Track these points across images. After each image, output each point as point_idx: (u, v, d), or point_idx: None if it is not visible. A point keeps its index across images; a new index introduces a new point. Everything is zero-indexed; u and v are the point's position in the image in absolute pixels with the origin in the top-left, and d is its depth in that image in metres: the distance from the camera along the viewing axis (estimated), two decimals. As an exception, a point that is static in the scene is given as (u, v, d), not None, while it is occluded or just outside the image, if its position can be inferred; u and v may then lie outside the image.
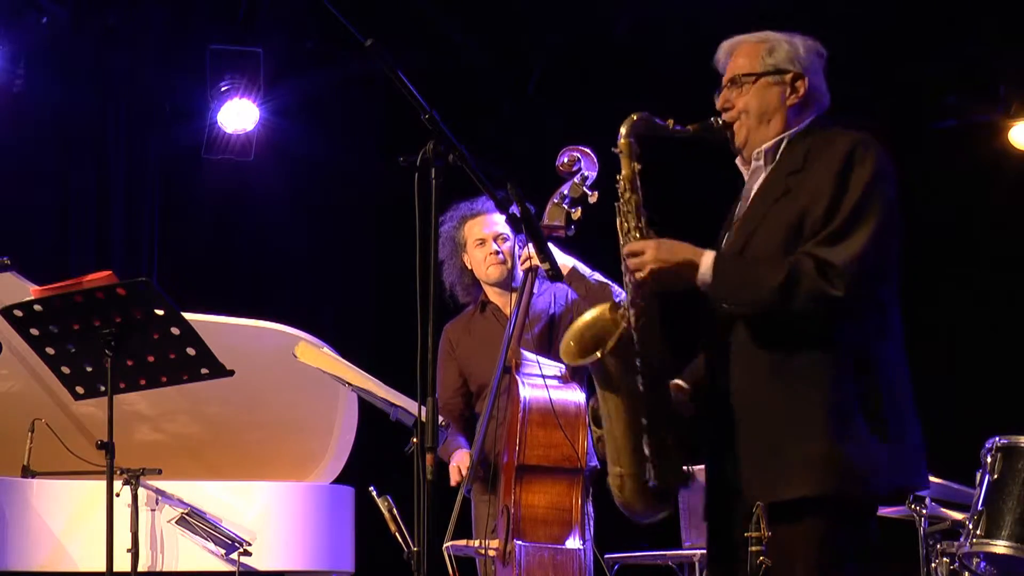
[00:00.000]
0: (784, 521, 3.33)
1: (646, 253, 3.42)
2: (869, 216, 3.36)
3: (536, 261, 4.67)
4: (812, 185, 3.42)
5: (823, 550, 3.36)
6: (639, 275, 3.42)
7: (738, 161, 3.66)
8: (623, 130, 3.55)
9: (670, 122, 3.58)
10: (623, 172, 3.53)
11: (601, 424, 3.53)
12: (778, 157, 3.54)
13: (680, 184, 7.23)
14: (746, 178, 3.63)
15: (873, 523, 3.47)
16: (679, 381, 3.61)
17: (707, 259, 3.41)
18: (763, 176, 3.56)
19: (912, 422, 3.45)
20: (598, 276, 5.09)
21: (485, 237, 5.34)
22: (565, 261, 5.03)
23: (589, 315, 3.49)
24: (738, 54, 3.60)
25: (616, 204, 3.54)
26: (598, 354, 3.39)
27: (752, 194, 3.57)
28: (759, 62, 3.56)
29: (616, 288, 5.04)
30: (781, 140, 3.55)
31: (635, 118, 3.55)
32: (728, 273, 3.40)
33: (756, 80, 3.55)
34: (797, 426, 3.36)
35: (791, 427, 3.37)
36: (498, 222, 5.33)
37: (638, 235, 3.49)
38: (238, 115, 7.65)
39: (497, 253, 5.32)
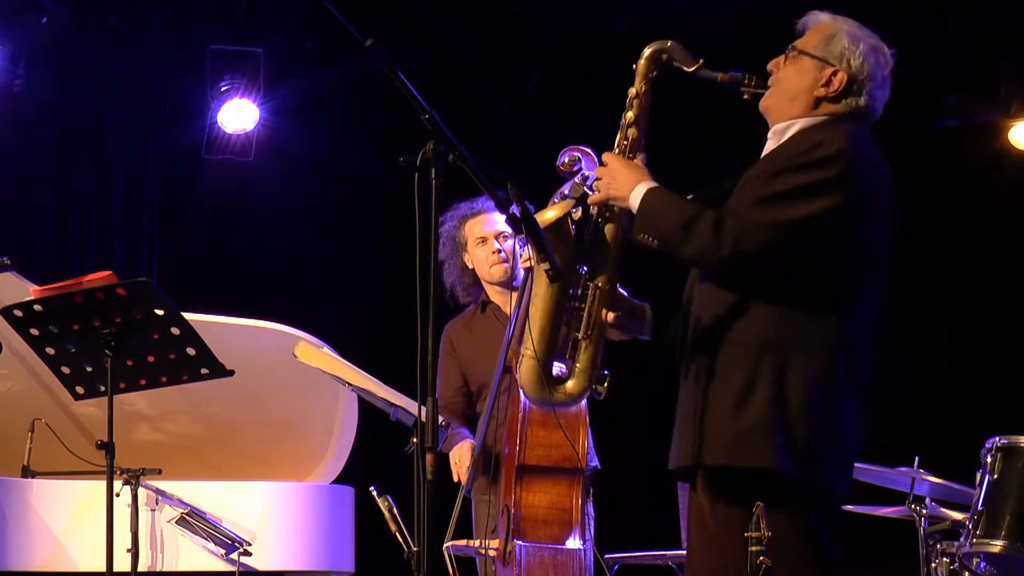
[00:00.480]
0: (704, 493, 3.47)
1: (609, 164, 3.58)
2: (803, 204, 3.38)
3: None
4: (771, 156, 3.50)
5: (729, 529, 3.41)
6: (595, 184, 3.58)
7: None
8: (647, 50, 3.60)
9: (701, 61, 3.58)
10: (632, 89, 3.59)
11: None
12: (783, 140, 3.55)
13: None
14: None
15: (813, 517, 3.44)
16: (647, 308, 3.73)
17: (644, 186, 3.50)
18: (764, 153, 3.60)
19: (838, 423, 3.43)
20: None
21: (487, 235, 5.33)
22: None
23: (558, 207, 3.64)
24: (810, 27, 3.62)
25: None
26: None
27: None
28: (815, 42, 3.57)
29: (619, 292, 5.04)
30: (793, 124, 3.56)
31: (668, 44, 3.59)
32: (649, 203, 3.47)
33: (799, 55, 3.56)
34: (713, 396, 3.43)
35: (708, 396, 3.44)
36: (499, 220, 5.31)
37: (616, 151, 3.61)
38: (238, 115, 7.64)
39: (499, 251, 5.31)
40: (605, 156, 3.61)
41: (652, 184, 3.50)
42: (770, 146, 3.59)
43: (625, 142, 3.62)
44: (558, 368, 3.62)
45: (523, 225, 3.46)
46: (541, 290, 3.59)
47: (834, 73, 3.54)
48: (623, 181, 3.54)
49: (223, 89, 7.58)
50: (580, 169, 4.88)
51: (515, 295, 5.17)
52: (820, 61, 3.54)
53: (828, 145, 3.42)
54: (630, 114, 3.61)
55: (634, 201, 3.50)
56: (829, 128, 3.50)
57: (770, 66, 3.62)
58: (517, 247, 5.33)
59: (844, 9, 3.67)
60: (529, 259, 4.83)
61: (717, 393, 3.43)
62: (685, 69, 3.59)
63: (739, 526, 3.32)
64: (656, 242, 3.45)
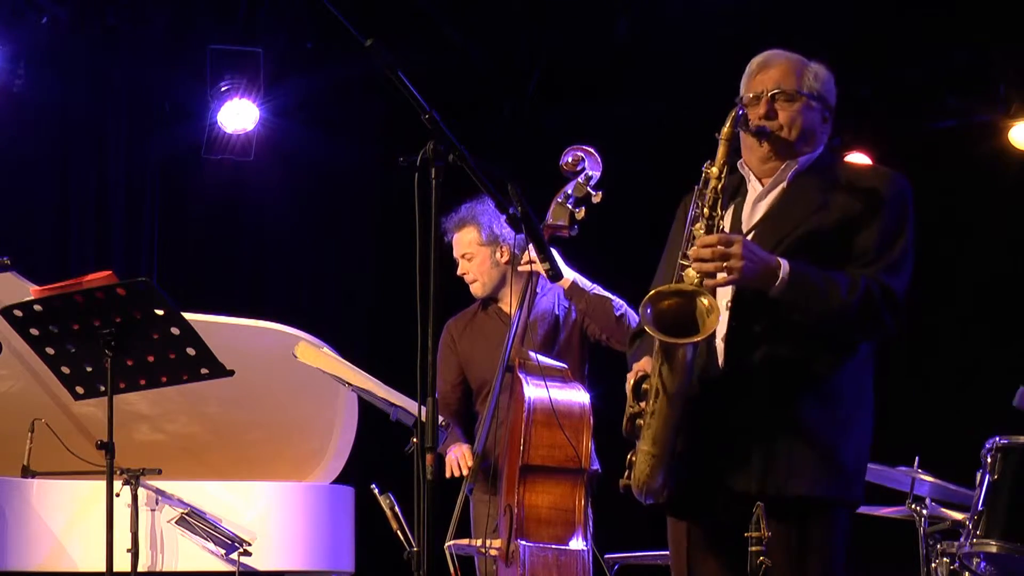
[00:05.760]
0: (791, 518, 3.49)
1: (734, 246, 3.41)
2: (909, 259, 3.55)
3: (538, 266, 4.72)
4: (859, 209, 3.55)
5: (826, 549, 3.53)
6: (729, 264, 3.41)
7: (745, 166, 3.70)
8: (728, 122, 3.55)
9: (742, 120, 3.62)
10: (719, 159, 3.54)
11: (643, 398, 3.52)
12: (805, 174, 3.63)
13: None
14: (754, 183, 3.68)
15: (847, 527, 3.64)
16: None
17: (785, 265, 3.45)
18: (782, 188, 3.64)
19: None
20: (598, 290, 5.09)
21: (457, 258, 5.40)
22: (565, 275, 5.02)
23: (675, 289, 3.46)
24: (780, 67, 3.66)
25: (696, 186, 3.56)
26: (697, 337, 3.38)
27: (771, 204, 3.64)
28: (804, 82, 3.65)
29: (616, 301, 5.05)
30: (811, 158, 3.65)
31: (738, 113, 3.57)
32: (805, 282, 3.44)
33: (800, 98, 3.63)
34: (815, 431, 3.51)
35: (811, 432, 3.51)
36: (459, 241, 5.40)
37: (709, 222, 3.50)
38: (238, 115, 7.64)
39: (466, 274, 5.38)
40: (724, 237, 3.44)
41: (783, 260, 3.46)
42: (782, 182, 3.65)
43: (716, 214, 3.51)
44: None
45: (523, 225, 3.46)
46: (672, 390, 3.46)
47: (826, 108, 3.71)
48: (764, 263, 3.43)
49: (223, 89, 7.58)
50: (583, 169, 4.90)
51: (515, 295, 5.19)
52: (816, 99, 3.67)
53: (893, 183, 3.64)
54: (720, 184, 3.53)
55: (784, 281, 3.43)
56: (854, 164, 3.85)
57: (763, 112, 3.64)
58: (508, 252, 5.34)
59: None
60: (531, 263, 4.88)
61: (817, 428, 3.51)
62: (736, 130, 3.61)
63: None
64: (820, 319, 3.47)
